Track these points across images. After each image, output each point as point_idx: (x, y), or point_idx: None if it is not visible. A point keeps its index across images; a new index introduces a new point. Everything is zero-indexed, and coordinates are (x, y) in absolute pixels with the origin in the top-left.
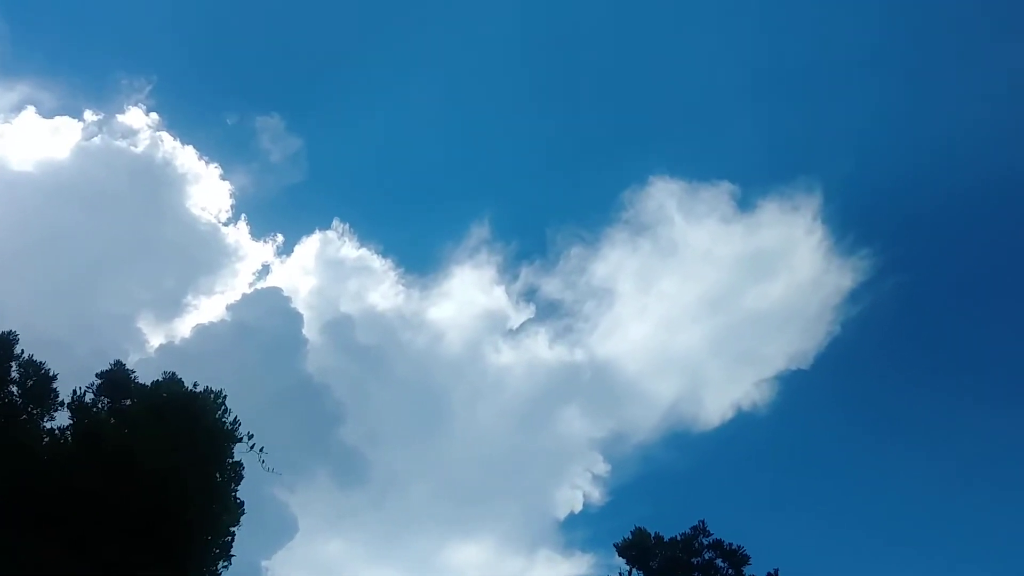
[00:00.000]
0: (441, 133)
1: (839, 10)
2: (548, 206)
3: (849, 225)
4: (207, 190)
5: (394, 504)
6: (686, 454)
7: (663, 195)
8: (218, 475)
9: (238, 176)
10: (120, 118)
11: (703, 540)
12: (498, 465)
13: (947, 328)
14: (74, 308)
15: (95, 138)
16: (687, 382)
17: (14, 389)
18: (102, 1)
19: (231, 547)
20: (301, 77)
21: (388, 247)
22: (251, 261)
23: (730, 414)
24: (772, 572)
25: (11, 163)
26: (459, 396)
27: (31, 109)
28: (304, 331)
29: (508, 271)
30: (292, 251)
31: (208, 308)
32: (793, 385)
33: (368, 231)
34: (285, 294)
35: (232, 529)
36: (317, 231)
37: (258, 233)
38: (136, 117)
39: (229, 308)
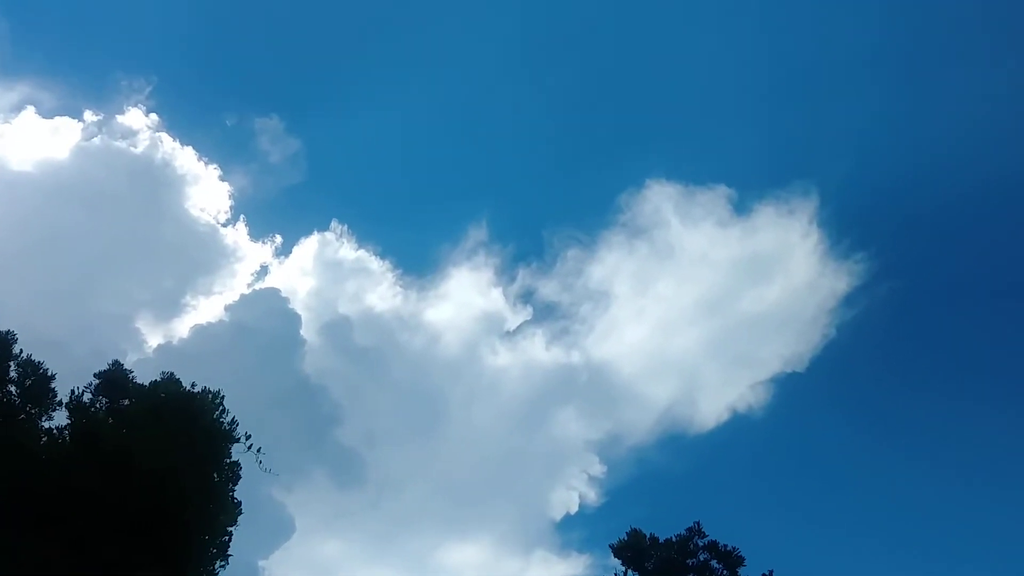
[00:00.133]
0: (439, 135)
1: (836, 14)
2: (545, 208)
3: (845, 229)
4: (206, 191)
5: (391, 504)
6: (682, 456)
7: (660, 198)
8: (216, 475)
9: (237, 177)
10: (120, 119)
11: (698, 541)
12: (495, 466)
13: (942, 332)
14: (73, 308)
15: (95, 138)
16: (683, 384)
17: (12, 389)
18: (102, 1)
19: (228, 547)
20: (300, 79)
21: (386, 248)
22: (250, 262)
23: (725, 416)
24: (767, 573)
25: (11, 163)
26: (456, 397)
27: (31, 109)
28: (302, 332)
29: (505, 273)
30: (290, 252)
31: (206, 309)
32: (788, 388)
33: (366, 232)
34: (283, 295)
35: (229, 529)
36: (315, 232)
37: (257, 234)
38: (136, 118)
39: (227, 309)
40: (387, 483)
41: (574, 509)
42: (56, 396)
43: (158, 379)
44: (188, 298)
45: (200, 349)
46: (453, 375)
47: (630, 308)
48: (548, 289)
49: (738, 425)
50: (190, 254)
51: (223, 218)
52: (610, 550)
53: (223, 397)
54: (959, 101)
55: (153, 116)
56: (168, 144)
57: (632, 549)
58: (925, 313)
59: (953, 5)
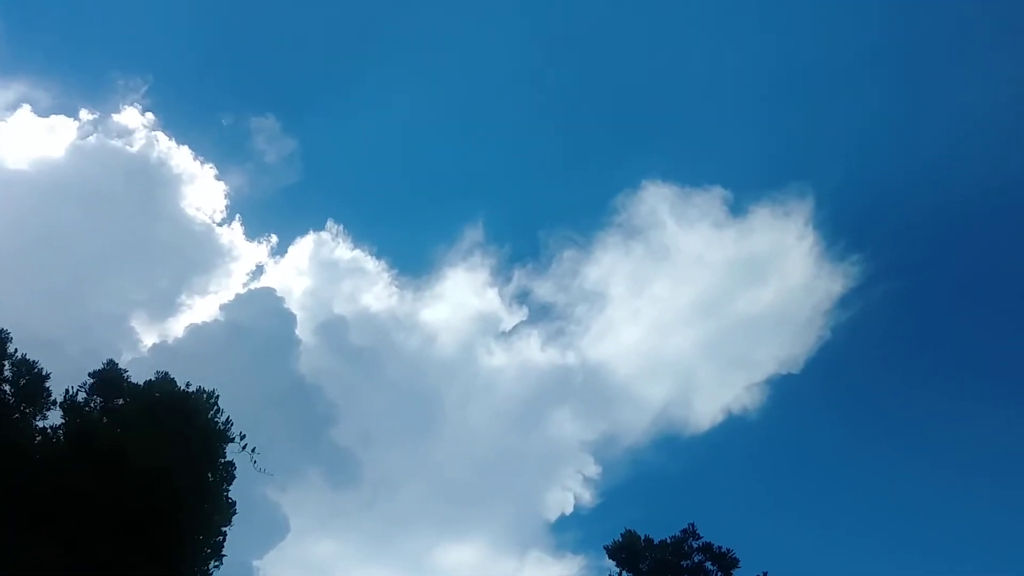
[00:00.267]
0: (435, 136)
1: (833, 17)
2: (541, 209)
3: (840, 231)
4: (202, 190)
5: (386, 505)
6: (677, 457)
7: (656, 199)
8: (210, 475)
9: (233, 176)
10: (116, 118)
11: (693, 543)
12: (490, 467)
13: (937, 334)
14: (68, 307)
15: (90, 137)
16: (678, 386)
17: (7, 388)
18: (99, 1)
19: (223, 547)
20: (297, 79)
21: (382, 249)
22: (245, 261)
23: (720, 418)
24: (761, 575)
25: (6, 162)
26: (451, 398)
27: (27, 108)
28: (297, 332)
29: (501, 274)
30: (286, 252)
31: (202, 308)
32: (783, 389)
33: (362, 232)
34: (279, 295)
35: (224, 529)
36: (311, 232)
37: (252, 234)
38: (132, 117)
39: (223, 308)
40: (382, 483)
41: (569, 510)
42: (50, 395)
43: (153, 379)
44: (183, 297)
45: (195, 349)
46: (448, 375)
47: (626, 309)
48: (544, 290)
49: (733, 426)
50: (185, 253)
51: (219, 217)
52: (605, 551)
53: (218, 397)
54: (955, 104)
55: (149, 115)
56: (164, 143)
57: (626, 550)
58: (920, 315)
59: (950, 8)
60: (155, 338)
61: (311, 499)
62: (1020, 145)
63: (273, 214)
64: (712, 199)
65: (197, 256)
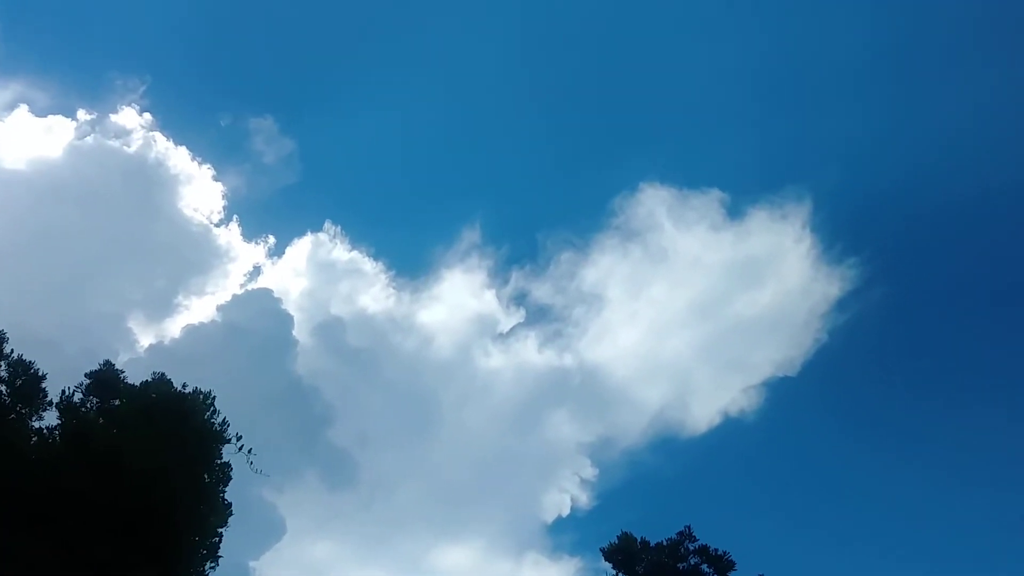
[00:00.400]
0: (433, 137)
1: (830, 20)
2: (539, 211)
3: (837, 234)
4: (199, 191)
5: (383, 506)
6: (673, 459)
7: (653, 202)
8: (206, 476)
9: (230, 177)
10: (113, 118)
11: (689, 546)
12: (487, 468)
13: (934, 337)
14: (64, 307)
15: (88, 137)
16: (675, 388)
17: (3, 388)
18: (97, 1)
19: (218, 548)
20: (295, 79)
21: (379, 250)
22: (242, 262)
23: (717, 420)
24: None
25: (4, 162)
26: (449, 399)
27: (24, 108)
28: (294, 333)
29: (499, 275)
30: (283, 253)
31: (199, 309)
32: (780, 392)
33: (360, 234)
34: (276, 295)
35: (220, 530)
36: (309, 233)
37: (250, 234)
38: (129, 117)
39: (220, 309)
40: (379, 485)
41: (566, 512)
42: (47, 396)
43: (149, 379)
44: (180, 298)
45: (192, 349)
46: (446, 377)
47: (623, 311)
48: (541, 292)
49: (730, 429)
50: (183, 254)
51: (216, 218)
52: (601, 553)
53: (214, 398)
54: (952, 107)
55: (147, 115)
56: (162, 144)
57: (623, 553)
58: (917, 318)
59: (946, 11)
60: (152, 339)
61: (308, 500)
62: (1016, 148)
63: (271, 215)
64: (709, 202)
65: (194, 257)
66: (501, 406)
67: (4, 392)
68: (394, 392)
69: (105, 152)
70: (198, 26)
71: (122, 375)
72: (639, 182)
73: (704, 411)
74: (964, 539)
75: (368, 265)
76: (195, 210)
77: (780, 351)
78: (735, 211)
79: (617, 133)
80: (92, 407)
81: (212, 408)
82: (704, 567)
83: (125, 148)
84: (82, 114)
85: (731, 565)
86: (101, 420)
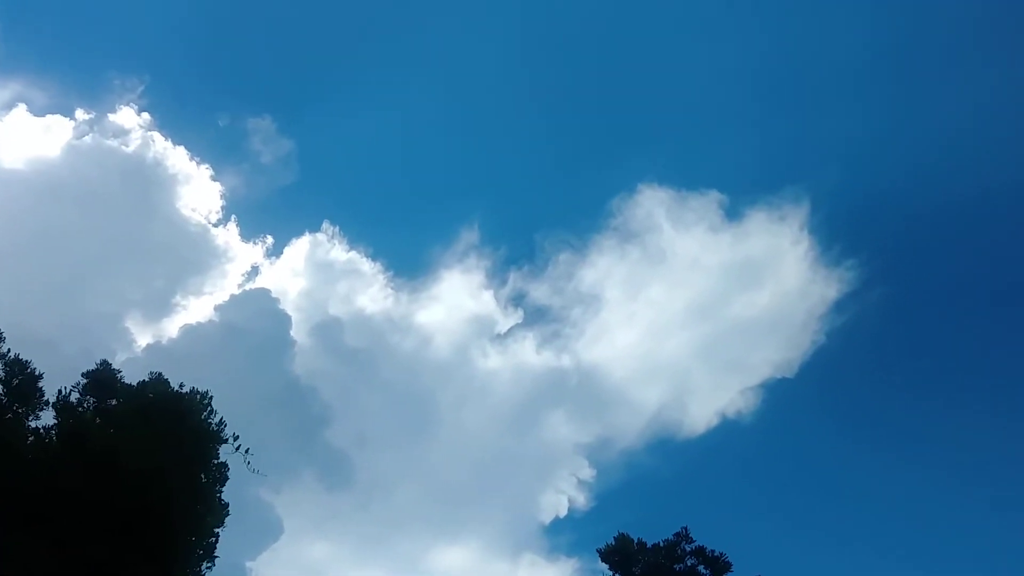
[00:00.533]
0: (432, 138)
1: (828, 21)
2: (537, 212)
3: (835, 236)
4: (198, 191)
5: (380, 506)
6: (671, 461)
7: (652, 203)
8: (203, 476)
9: (229, 177)
10: (112, 117)
11: (685, 547)
12: (484, 469)
13: (932, 338)
14: (62, 307)
15: (86, 137)
16: (673, 389)
17: None
18: (96, 1)
19: (215, 548)
20: (293, 79)
21: (378, 250)
22: (240, 262)
23: (715, 421)
24: None
25: (2, 161)
26: (446, 400)
27: (22, 107)
28: (292, 333)
29: (497, 276)
30: (282, 253)
31: (196, 309)
32: (778, 393)
33: (358, 234)
34: (274, 296)
35: (216, 530)
36: (307, 233)
37: (248, 234)
38: (128, 117)
39: (217, 309)
40: (376, 485)
41: (563, 513)
42: (43, 395)
43: (146, 379)
44: (178, 298)
45: (190, 349)
46: (443, 377)
47: (621, 312)
48: (539, 292)
49: (727, 430)
50: (181, 254)
51: (214, 218)
52: (598, 554)
53: (211, 398)
54: (950, 108)
55: (145, 115)
56: (160, 143)
57: (620, 554)
58: (915, 320)
59: (944, 12)
60: (149, 338)
61: (305, 500)
62: (1015, 149)
63: (269, 215)
64: (708, 203)
65: (192, 257)
66: (499, 407)
67: (1, 392)
68: (392, 392)
69: (103, 152)
70: (197, 26)
71: (119, 375)
72: (637, 183)
73: (702, 412)
74: (962, 540)
75: (366, 265)
76: (193, 210)
77: (778, 352)
78: (733, 212)
79: (615, 134)
80: (89, 407)
81: (209, 408)
82: (701, 568)
83: (123, 148)
84: (80, 114)
85: (727, 566)
86: (98, 420)
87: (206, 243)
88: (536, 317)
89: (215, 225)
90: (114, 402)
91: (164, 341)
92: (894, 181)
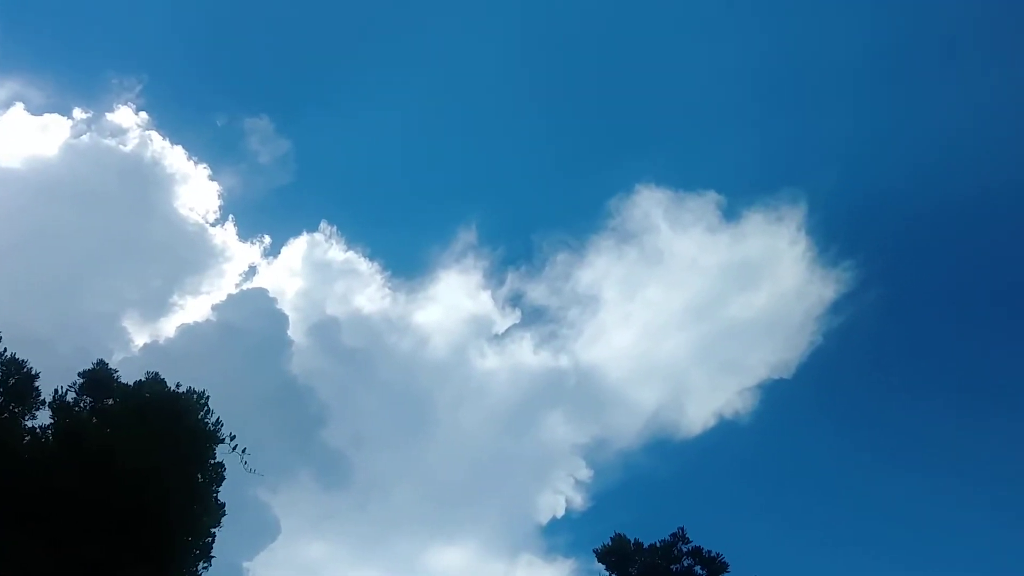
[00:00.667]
0: (430, 138)
1: (826, 23)
2: (535, 212)
3: (833, 237)
4: (195, 190)
5: (377, 507)
6: (668, 461)
7: (649, 203)
8: (200, 476)
9: (226, 177)
10: (109, 117)
11: (682, 547)
12: (482, 469)
13: (928, 339)
14: (59, 306)
15: (84, 136)
16: (670, 390)
17: None
18: (94, 0)
19: (211, 548)
20: (291, 79)
21: (375, 250)
22: (238, 262)
23: (712, 422)
24: None
25: None
26: (444, 400)
27: (20, 106)
28: (289, 333)
29: (494, 276)
30: (279, 253)
31: (194, 308)
32: (775, 394)
33: (355, 234)
34: (271, 295)
35: (213, 530)
36: (304, 233)
37: (245, 234)
38: (125, 116)
39: (215, 308)
40: (374, 485)
41: (560, 513)
42: (40, 395)
43: (143, 379)
44: (175, 297)
45: (187, 349)
46: (441, 377)
47: (618, 313)
48: (537, 293)
49: (725, 431)
50: (178, 253)
51: (212, 218)
52: (594, 555)
53: (208, 397)
54: (948, 109)
55: (143, 114)
56: (158, 143)
57: (616, 554)
58: (912, 321)
59: (942, 13)
60: (146, 338)
61: (302, 500)
62: (1012, 150)
63: (266, 215)
64: (705, 204)
65: (190, 256)
66: (496, 407)
67: None
68: (389, 392)
69: (101, 151)
70: (195, 26)
71: (116, 374)
72: (635, 184)
73: (699, 413)
74: (958, 540)
75: (364, 265)
76: (191, 209)
77: (775, 353)
78: (731, 213)
79: (613, 135)
80: (85, 406)
81: (206, 408)
82: (697, 569)
83: (121, 147)
84: (78, 113)
85: (724, 567)
86: (94, 419)
87: (203, 243)
88: (534, 317)
89: (213, 225)
90: (111, 402)
91: (161, 341)
92: (891, 182)
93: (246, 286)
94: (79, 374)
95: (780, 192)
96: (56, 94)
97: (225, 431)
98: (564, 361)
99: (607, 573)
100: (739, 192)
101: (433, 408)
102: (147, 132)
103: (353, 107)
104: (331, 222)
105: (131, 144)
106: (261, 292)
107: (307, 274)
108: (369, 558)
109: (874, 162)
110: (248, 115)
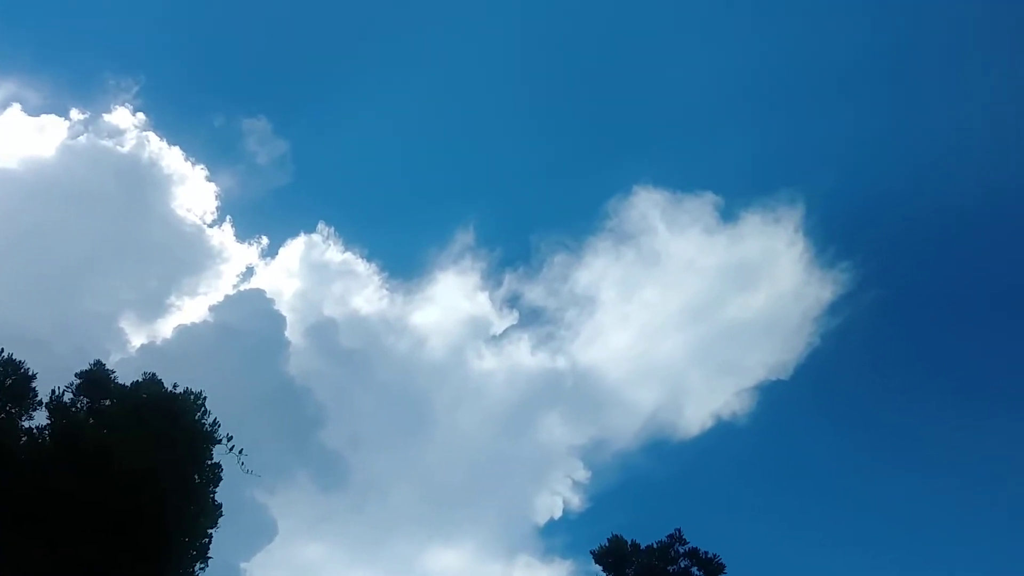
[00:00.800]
0: (427, 139)
1: (824, 24)
2: (533, 213)
3: (830, 238)
4: (192, 191)
5: (375, 508)
6: (665, 462)
7: (647, 205)
8: (197, 476)
9: (224, 178)
10: (107, 117)
11: (679, 548)
12: (479, 470)
13: (926, 340)
14: (55, 307)
15: (81, 137)
16: (668, 391)
17: None
18: (91, 0)
19: (209, 549)
20: (288, 80)
21: (373, 251)
22: (235, 263)
23: (710, 423)
24: None
25: None
26: (441, 401)
27: (16, 106)
28: (287, 334)
29: (492, 277)
30: (276, 254)
31: (191, 309)
32: (772, 395)
33: (353, 235)
34: (269, 296)
35: (210, 531)
36: (302, 234)
37: (243, 235)
38: (123, 117)
39: (212, 309)
40: (371, 486)
41: (558, 514)
42: (36, 395)
43: (140, 379)
44: (173, 298)
45: (184, 350)
46: (438, 379)
47: (616, 314)
48: (534, 294)
49: (722, 432)
50: (175, 254)
51: (209, 219)
52: (591, 556)
53: (205, 398)
54: (946, 110)
55: (140, 115)
56: (155, 144)
57: (613, 555)
58: (909, 322)
59: (941, 14)
60: (143, 339)
61: (299, 501)
62: (1011, 151)
63: (264, 216)
64: (703, 205)
65: (187, 257)
66: (494, 408)
67: None
68: (387, 394)
69: (98, 152)
70: (192, 26)
71: (113, 375)
72: (632, 185)
73: (696, 414)
74: (957, 542)
75: (361, 266)
76: (188, 210)
77: (773, 354)
78: (728, 214)
79: (611, 136)
80: (82, 407)
81: (203, 409)
82: (694, 570)
83: (118, 148)
84: (75, 113)
85: (721, 568)
86: (91, 420)
87: (201, 244)
88: (531, 318)
89: (210, 226)
90: (107, 402)
91: (158, 341)
92: (889, 183)
93: (243, 287)
94: (76, 375)
95: (778, 193)
96: (53, 95)
97: (222, 432)
98: (562, 362)
99: (604, 574)
100: (737, 193)
101: (431, 409)
102: (144, 133)
103: (351, 108)
104: (329, 223)
105: (128, 145)
106: (258, 293)
107: (304, 275)
108: (366, 559)
109: (872, 163)
110: (246, 116)
